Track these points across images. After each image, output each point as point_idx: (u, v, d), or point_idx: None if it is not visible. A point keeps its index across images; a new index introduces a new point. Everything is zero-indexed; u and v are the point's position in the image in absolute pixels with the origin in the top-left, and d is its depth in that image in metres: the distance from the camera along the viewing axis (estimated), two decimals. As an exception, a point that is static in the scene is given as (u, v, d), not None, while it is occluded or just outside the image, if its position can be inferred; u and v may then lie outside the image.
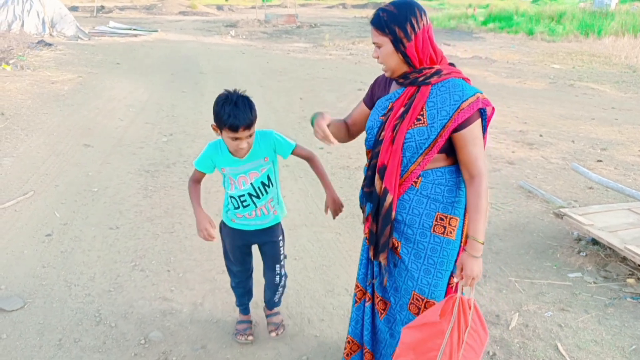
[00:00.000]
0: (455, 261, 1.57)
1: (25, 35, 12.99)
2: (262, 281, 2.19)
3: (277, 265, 2.07)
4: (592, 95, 8.52)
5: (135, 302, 2.48)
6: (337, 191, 3.90)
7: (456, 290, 1.55)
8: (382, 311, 1.72)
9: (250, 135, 1.75)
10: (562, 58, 13.45)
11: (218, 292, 2.56)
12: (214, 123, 1.75)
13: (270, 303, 2.20)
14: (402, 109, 1.52)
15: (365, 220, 1.67)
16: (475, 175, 1.49)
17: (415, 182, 1.55)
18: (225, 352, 2.13)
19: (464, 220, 1.56)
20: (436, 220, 1.55)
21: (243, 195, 1.88)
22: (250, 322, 2.25)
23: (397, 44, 1.48)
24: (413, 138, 1.49)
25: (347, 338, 1.90)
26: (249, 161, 1.84)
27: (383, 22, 1.48)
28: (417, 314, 1.60)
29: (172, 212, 3.51)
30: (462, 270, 1.50)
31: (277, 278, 2.09)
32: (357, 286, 1.83)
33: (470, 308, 1.45)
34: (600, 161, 4.77)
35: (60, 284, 2.61)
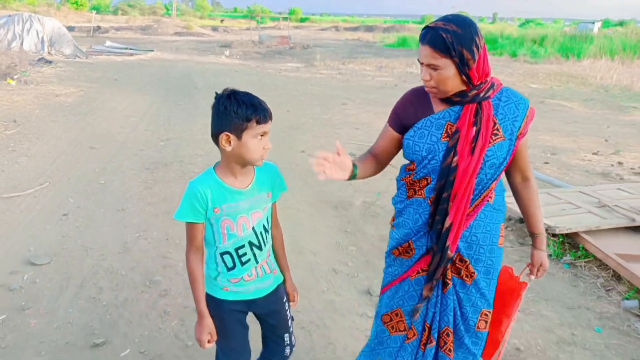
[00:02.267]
0: None
1: (25, 53, 13.85)
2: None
3: (287, 335, 1.67)
4: (560, 111, 9.40)
5: (141, 260, 3.15)
6: (317, 183, 4.68)
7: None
8: (449, 352, 1.63)
9: None
10: (541, 78, 14.44)
11: (208, 254, 3.25)
12: (225, 133, 1.38)
13: None
14: (473, 129, 1.45)
15: (423, 256, 1.57)
16: (530, 177, 1.59)
17: (490, 198, 1.53)
18: (212, 289, 2.80)
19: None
20: (501, 232, 1.57)
21: (242, 247, 1.48)
22: None
23: (463, 67, 1.40)
24: (495, 155, 1.46)
25: None
26: (251, 194, 1.48)
27: (448, 44, 1.37)
28: (485, 328, 1.62)
29: (170, 199, 4.21)
30: (538, 266, 1.62)
31: (288, 350, 1.69)
32: (404, 325, 1.65)
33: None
34: (547, 163, 5.55)
35: (78, 248, 3.28)
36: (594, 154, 6.11)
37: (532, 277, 1.66)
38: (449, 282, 1.56)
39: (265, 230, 1.54)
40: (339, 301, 2.74)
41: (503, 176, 1.57)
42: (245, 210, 1.47)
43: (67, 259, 3.12)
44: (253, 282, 1.53)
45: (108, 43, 20.15)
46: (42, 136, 5.85)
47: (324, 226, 3.75)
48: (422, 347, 1.64)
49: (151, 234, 3.53)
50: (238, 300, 1.53)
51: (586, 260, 3.14)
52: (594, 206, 3.59)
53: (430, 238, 1.53)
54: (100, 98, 8.51)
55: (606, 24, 32.69)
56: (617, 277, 2.96)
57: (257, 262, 1.53)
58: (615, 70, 15.43)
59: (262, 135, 1.40)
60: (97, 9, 45.29)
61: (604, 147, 6.48)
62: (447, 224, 1.48)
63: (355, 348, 2.33)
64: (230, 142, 1.38)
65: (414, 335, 1.63)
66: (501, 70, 16.11)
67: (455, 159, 1.45)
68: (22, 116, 6.64)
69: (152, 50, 19.24)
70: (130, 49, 19.02)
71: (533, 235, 1.65)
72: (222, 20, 56.87)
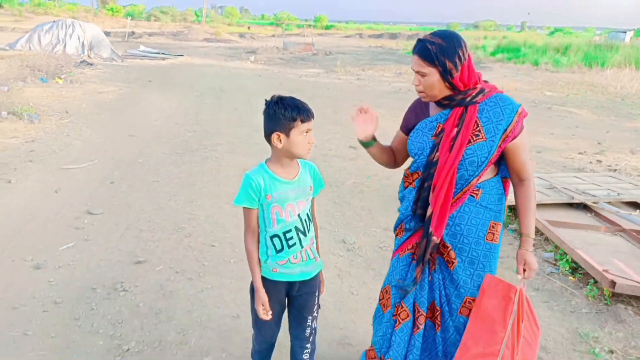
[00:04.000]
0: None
1: (68, 56, 15.44)
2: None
3: (309, 317, 1.91)
4: (565, 117, 10.01)
5: (171, 214, 4.14)
6: (318, 168, 5.60)
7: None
8: (438, 326, 1.83)
9: None
10: (559, 87, 14.90)
11: (224, 213, 4.21)
12: (276, 132, 1.63)
13: None
14: (455, 129, 1.65)
15: (410, 237, 1.81)
16: (526, 179, 1.72)
17: (476, 194, 1.70)
18: (229, 236, 3.75)
19: (504, 225, 1.77)
20: (489, 229, 1.73)
21: (290, 231, 1.74)
22: None
23: (446, 75, 1.61)
24: (475, 153, 1.64)
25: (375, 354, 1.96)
26: (297, 185, 1.74)
27: (432, 55, 1.60)
28: (468, 315, 1.77)
29: (194, 175, 5.22)
30: (523, 265, 1.71)
31: (308, 330, 1.92)
32: (399, 306, 1.87)
33: (524, 300, 1.65)
34: (530, 159, 6.28)
35: (123, 205, 4.31)
36: (579, 153, 6.79)
37: (520, 277, 1.74)
38: (434, 262, 1.80)
39: (309, 218, 1.79)
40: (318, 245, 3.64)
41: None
42: (292, 198, 1.72)
43: (116, 212, 4.15)
44: (299, 265, 1.78)
45: (142, 47, 21.80)
46: (91, 125, 7.03)
47: (318, 198, 4.66)
48: (415, 327, 1.85)
49: (179, 198, 4.54)
50: (284, 281, 1.79)
51: (527, 226, 3.93)
52: (545, 188, 4.37)
53: (415, 221, 1.80)
54: (137, 96, 9.75)
55: (639, 33, 32.49)
56: (548, 240, 3.75)
57: (302, 247, 1.77)
58: (638, 80, 15.71)
59: (306, 132, 1.66)
60: (131, 15, 48.05)
61: (593, 149, 7.14)
62: (428, 213, 1.71)
63: (325, 274, 3.23)
64: (280, 140, 1.64)
65: (407, 316, 1.84)
66: (521, 78, 16.64)
67: (437, 154, 1.68)
68: (73, 109, 7.88)
69: (182, 55, 20.70)
70: (163, 53, 20.56)
71: (521, 234, 1.78)
72: (249, 27, 58.95)
